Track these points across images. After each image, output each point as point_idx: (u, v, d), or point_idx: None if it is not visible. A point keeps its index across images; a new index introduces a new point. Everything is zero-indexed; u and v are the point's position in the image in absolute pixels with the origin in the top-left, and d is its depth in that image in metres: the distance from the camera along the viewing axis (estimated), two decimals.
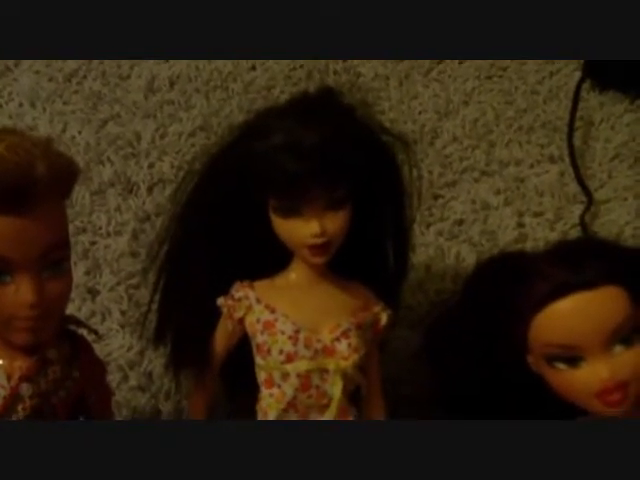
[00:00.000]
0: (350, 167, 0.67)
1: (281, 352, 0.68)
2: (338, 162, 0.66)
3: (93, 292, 0.93)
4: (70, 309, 0.66)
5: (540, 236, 1.01)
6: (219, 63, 1.21)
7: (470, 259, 0.98)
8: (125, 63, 1.20)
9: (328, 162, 0.65)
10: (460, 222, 1.03)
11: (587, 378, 0.64)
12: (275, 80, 1.20)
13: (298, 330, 0.69)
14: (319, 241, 0.68)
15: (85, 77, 1.18)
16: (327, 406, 0.69)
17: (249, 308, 0.71)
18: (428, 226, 1.02)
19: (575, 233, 1.01)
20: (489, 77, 1.23)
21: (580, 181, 1.07)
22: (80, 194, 1.01)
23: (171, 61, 1.21)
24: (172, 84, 1.18)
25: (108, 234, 0.99)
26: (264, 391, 0.70)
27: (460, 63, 1.24)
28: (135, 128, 1.11)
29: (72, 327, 0.67)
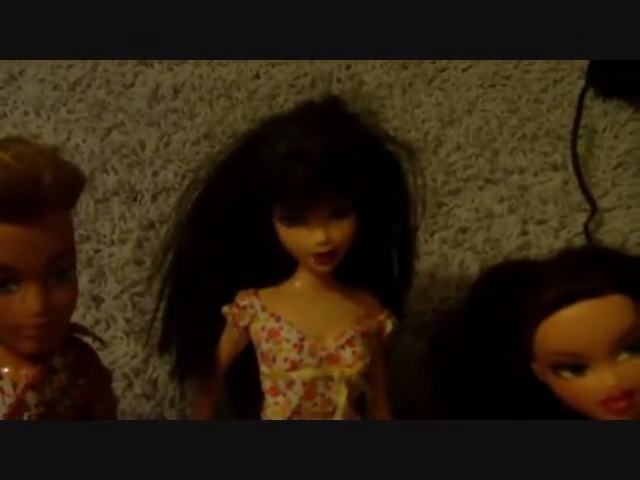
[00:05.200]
0: (355, 175, 0.67)
1: (286, 360, 0.68)
2: (343, 170, 0.66)
3: (97, 300, 0.93)
4: (75, 317, 0.65)
5: (544, 244, 1.02)
6: (223, 72, 1.21)
7: (474, 267, 0.98)
8: (129, 71, 1.20)
9: (333, 170, 0.65)
10: (464, 230, 1.03)
11: (593, 386, 0.64)
12: (279, 88, 1.20)
13: (303, 338, 0.69)
14: (324, 249, 0.68)
15: (89, 85, 1.18)
16: (332, 414, 0.69)
17: (254, 316, 0.71)
18: (432, 234, 1.02)
19: (579, 241, 1.01)
20: (492, 85, 1.23)
21: (584, 189, 1.07)
22: (84, 202, 1.01)
23: (175, 69, 1.21)
24: (176, 92, 1.18)
25: (112, 242, 0.99)
26: (269, 399, 0.70)
27: (464, 71, 1.24)
28: (139, 136, 1.11)
29: (77, 335, 0.67)
